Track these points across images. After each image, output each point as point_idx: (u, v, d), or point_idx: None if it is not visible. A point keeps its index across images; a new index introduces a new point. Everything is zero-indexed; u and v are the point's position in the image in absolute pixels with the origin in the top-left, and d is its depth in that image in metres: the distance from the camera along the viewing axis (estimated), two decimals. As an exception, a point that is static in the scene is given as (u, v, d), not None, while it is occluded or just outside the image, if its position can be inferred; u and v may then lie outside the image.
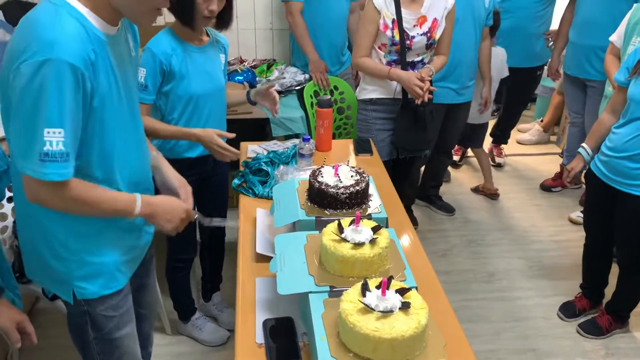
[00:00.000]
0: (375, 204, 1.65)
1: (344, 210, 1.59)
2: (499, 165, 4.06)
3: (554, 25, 3.52)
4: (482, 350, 2.34)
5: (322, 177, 1.64)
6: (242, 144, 2.38)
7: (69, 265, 1.29)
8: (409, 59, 2.43)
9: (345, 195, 1.58)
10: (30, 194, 1.17)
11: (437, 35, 2.43)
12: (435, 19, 2.40)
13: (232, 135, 1.96)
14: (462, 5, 2.59)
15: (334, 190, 1.58)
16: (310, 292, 1.25)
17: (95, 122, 1.19)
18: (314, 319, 1.18)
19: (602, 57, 2.84)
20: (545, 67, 3.66)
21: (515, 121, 4.03)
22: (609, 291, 2.48)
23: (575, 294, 2.62)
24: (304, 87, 3.09)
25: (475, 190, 3.71)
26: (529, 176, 3.95)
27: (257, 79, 3.18)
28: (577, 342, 2.42)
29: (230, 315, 2.40)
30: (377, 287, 1.14)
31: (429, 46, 2.43)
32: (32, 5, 3.35)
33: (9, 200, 1.97)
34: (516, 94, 3.75)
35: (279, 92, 3.10)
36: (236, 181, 2.06)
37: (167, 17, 1.90)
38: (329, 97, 2.36)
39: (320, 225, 1.53)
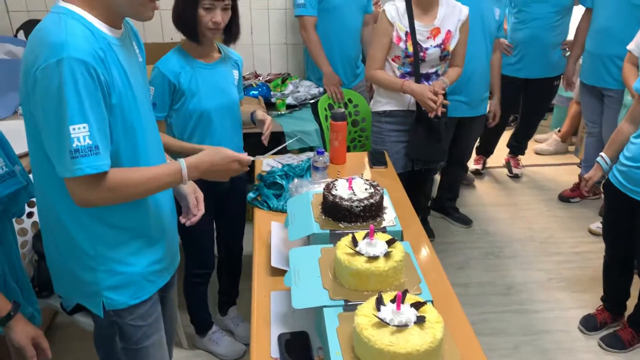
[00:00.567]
0: (390, 216, 1.65)
1: (359, 224, 1.59)
2: (516, 176, 4.02)
3: (571, 35, 3.50)
4: (501, 365, 2.31)
5: (336, 190, 1.65)
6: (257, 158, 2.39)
7: (98, 275, 1.31)
8: (422, 71, 2.43)
9: (359, 208, 1.58)
10: (77, 199, 1.19)
11: (451, 46, 2.43)
12: (449, 30, 2.40)
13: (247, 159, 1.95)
14: (472, 17, 2.58)
15: (348, 203, 1.58)
16: (325, 307, 1.25)
17: (117, 122, 1.22)
18: (328, 334, 1.17)
19: (619, 65, 2.81)
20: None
21: (532, 132, 3.99)
22: (632, 303, 2.43)
23: (596, 306, 2.56)
24: (318, 100, 3.10)
25: None
26: (547, 187, 3.90)
27: (272, 92, 3.20)
28: (598, 356, 2.37)
29: (247, 329, 2.40)
30: (392, 301, 1.13)
31: (442, 58, 2.43)
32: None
33: (29, 215, 2.00)
34: (533, 104, 3.73)
35: (294, 106, 3.13)
36: (251, 194, 2.07)
37: (175, 36, 1.95)
38: (342, 110, 2.37)
39: (334, 238, 1.53)
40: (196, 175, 1.35)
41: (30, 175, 1.55)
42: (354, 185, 1.66)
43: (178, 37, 1.99)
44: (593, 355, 2.37)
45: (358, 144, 3.20)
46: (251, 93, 3.11)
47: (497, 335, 2.48)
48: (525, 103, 3.75)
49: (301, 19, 3.05)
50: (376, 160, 2.39)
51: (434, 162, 2.66)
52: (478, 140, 3.90)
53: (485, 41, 2.80)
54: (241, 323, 2.48)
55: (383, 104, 2.56)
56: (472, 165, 4.02)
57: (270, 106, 3.11)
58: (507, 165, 4.09)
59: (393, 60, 2.45)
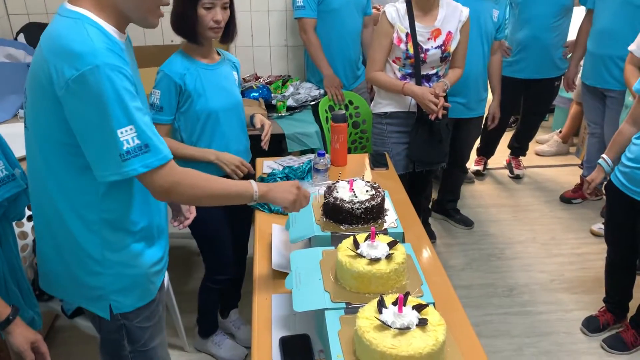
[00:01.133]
0: (391, 218, 1.64)
1: (360, 226, 1.59)
2: (517, 177, 4.01)
3: (571, 35, 3.49)
4: (504, 367, 2.30)
5: (337, 192, 1.64)
6: (258, 160, 2.39)
7: (105, 279, 1.30)
8: (423, 72, 2.43)
9: (360, 210, 1.57)
10: (154, 193, 1.22)
11: (452, 48, 2.43)
12: (449, 32, 2.40)
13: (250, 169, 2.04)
14: None
15: (349, 206, 1.57)
16: (326, 309, 1.24)
17: None
18: (330, 337, 1.16)
19: (621, 66, 2.80)
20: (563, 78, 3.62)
21: (533, 133, 3.99)
22: (634, 305, 2.42)
23: (598, 308, 2.55)
24: (318, 102, 3.10)
25: None
26: (548, 188, 3.89)
27: (272, 94, 3.20)
28: (601, 357, 2.36)
29: (248, 332, 2.39)
30: (394, 304, 1.13)
31: (443, 59, 2.43)
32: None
33: (29, 219, 2.00)
34: (534, 105, 3.72)
35: (294, 108, 3.13)
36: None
37: (176, 38, 1.95)
38: (343, 112, 2.36)
39: (335, 240, 1.53)
40: (264, 189, 1.39)
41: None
42: (355, 187, 1.65)
43: (178, 39, 1.98)
44: (595, 357, 2.36)
45: (359, 146, 3.19)
46: (251, 95, 3.11)
47: (500, 338, 2.47)
48: (526, 104, 3.75)
49: (300, 21, 3.05)
50: (377, 161, 2.39)
51: (435, 163, 2.65)
52: (479, 141, 3.90)
53: (482, 43, 2.80)
54: (242, 326, 2.47)
55: (384, 105, 2.56)
56: (473, 166, 4.02)
57: (270, 108, 3.10)
58: (509, 166, 4.08)
59: (394, 61, 2.44)
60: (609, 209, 2.37)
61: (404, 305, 1.11)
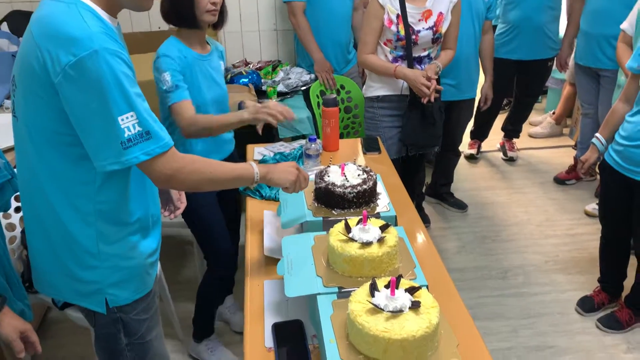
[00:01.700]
0: (383, 202, 1.62)
1: (352, 210, 1.57)
2: (511, 160, 4.00)
3: (563, 15, 3.46)
4: (500, 348, 2.30)
5: (328, 176, 1.62)
6: (249, 146, 2.37)
7: (101, 273, 1.28)
8: (415, 54, 2.40)
9: (352, 195, 1.55)
10: (156, 180, 1.21)
11: (443, 29, 2.39)
12: (440, 12, 2.36)
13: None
14: None
15: (341, 190, 1.55)
16: (319, 294, 1.23)
17: None
18: (322, 321, 1.15)
19: (615, 45, 2.77)
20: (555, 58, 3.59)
21: (526, 114, 3.97)
22: (628, 284, 2.42)
23: (593, 288, 2.56)
24: (309, 87, 3.06)
25: None
26: (542, 170, 3.88)
27: (263, 80, 3.16)
28: (596, 337, 2.37)
29: (242, 318, 2.37)
30: (386, 287, 1.11)
31: (435, 40, 2.40)
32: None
33: (17, 210, 1.97)
34: (527, 86, 3.70)
35: (285, 94, 3.09)
36: (243, 184, 2.04)
37: (163, 25, 1.90)
38: (334, 96, 2.33)
39: (327, 225, 1.51)
40: (264, 171, 1.37)
41: (16, 170, 1.52)
42: (347, 171, 1.63)
43: (166, 25, 1.94)
44: (591, 337, 2.37)
45: (351, 131, 3.16)
46: (241, 81, 3.07)
47: (495, 320, 2.47)
48: (519, 85, 3.72)
49: (289, 5, 3.00)
50: (370, 146, 2.36)
51: (429, 147, 2.63)
52: (472, 125, 3.87)
53: (473, 23, 2.76)
54: (237, 312, 2.45)
55: (376, 89, 2.53)
56: (466, 149, 4.00)
57: (261, 94, 3.07)
58: (502, 148, 4.07)
59: (385, 44, 2.41)
60: (603, 187, 2.36)
61: (397, 288, 1.09)
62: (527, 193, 3.58)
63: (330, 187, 1.57)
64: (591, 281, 2.61)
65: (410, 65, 2.39)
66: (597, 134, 2.26)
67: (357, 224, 1.34)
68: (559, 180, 3.68)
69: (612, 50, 2.89)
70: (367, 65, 2.48)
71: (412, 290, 1.11)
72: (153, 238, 1.39)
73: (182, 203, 1.68)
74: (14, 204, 1.91)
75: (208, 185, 1.30)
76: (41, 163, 1.19)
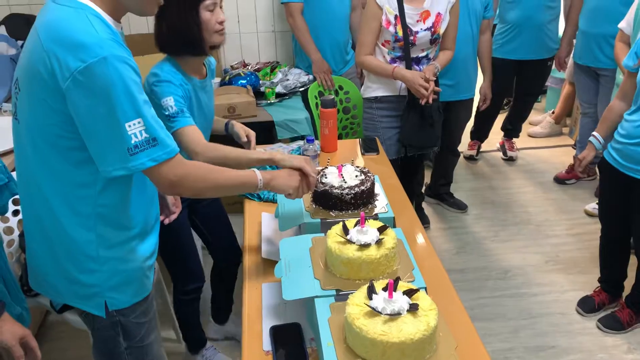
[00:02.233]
0: (381, 203, 1.62)
1: (350, 211, 1.56)
2: (511, 159, 3.99)
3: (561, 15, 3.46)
4: (500, 349, 2.29)
5: (326, 178, 1.61)
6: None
7: (100, 276, 1.27)
8: (413, 55, 2.39)
9: (350, 196, 1.55)
10: (161, 187, 1.20)
11: (442, 29, 2.39)
12: (438, 13, 2.35)
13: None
14: None
15: (339, 191, 1.55)
16: (316, 297, 1.22)
17: None
18: (320, 325, 1.14)
19: (613, 44, 2.77)
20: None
21: (526, 114, 3.96)
22: (629, 284, 2.41)
23: (593, 288, 2.55)
24: (308, 88, 3.06)
25: None
26: (542, 169, 3.87)
27: (261, 81, 3.16)
28: (597, 337, 2.36)
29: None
30: (384, 289, 1.10)
31: (433, 41, 2.39)
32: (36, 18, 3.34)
33: (14, 213, 1.96)
34: (527, 86, 3.69)
35: (284, 95, 3.08)
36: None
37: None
38: (332, 97, 2.33)
39: (325, 227, 1.50)
40: (267, 177, 1.38)
41: (14, 173, 1.51)
42: (344, 172, 1.62)
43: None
44: (591, 337, 2.36)
45: (350, 132, 3.16)
46: (239, 82, 3.06)
47: (495, 320, 2.46)
48: (519, 85, 3.71)
49: (287, 6, 3.00)
50: (368, 147, 2.35)
51: (427, 147, 2.62)
52: (472, 125, 3.87)
53: (471, 23, 2.75)
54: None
55: (374, 89, 2.52)
56: (466, 150, 3.99)
57: (259, 95, 3.06)
58: (502, 148, 4.06)
59: (383, 45, 2.40)
60: (602, 186, 2.35)
61: (395, 290, 1.09)
62: (526, 193, 3.57)
63: (328, 188, 1.56)
64: (592, 281, 2.60)
65: (409, 66, 2.39)
66: (595, 132, 2.25)
67: (355, 225, 1.33)
68: (559, 180, 3.67)
69: (610, 49, 2.89)
70: (365, 66, 2.48)
71: (410, 293, 1.11)
72: (151, 241, 1.39)
73: (177, 208, 1.67)
74: (12, 207, 1.90)
75: (212, 192, 1.31)
76: (42, 166, 1.19)
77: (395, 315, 1.05)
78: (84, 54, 1.04)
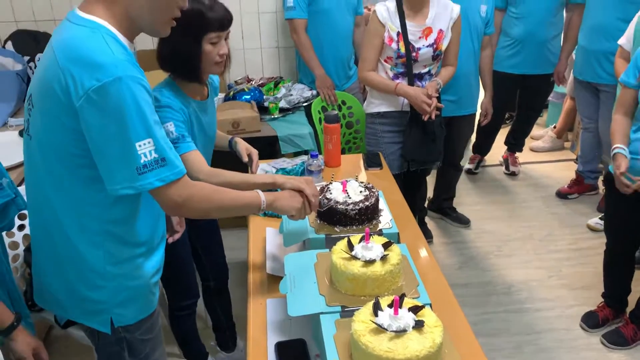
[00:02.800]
0: (386, 219, 1.63)
1: (354, 227, 1.57)
2: (513, 174, 4.00)
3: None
4: (504, 365, 2.29)
5: (330, 193, 1.62)
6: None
7: (107, 293, 1.28)
8: (415, 71, 2.41)
9: (354, 212, 1.56)
10: (166, 207, 1.22)
11: (444, 46, 2.41)
12: (440, 30, 2.38)
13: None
14: None
15: (343, 207, 1.56)
16: (322, 313, 1.22)
17: None
18: (325, 341, 1.15)
19: (613, 60, 2.79)
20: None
21: (529, 128, 3.97)
22: (633, 299, 2.41)
23: (597, 303, 2.54)
24: (311, 103, 3.08)
25: None
26: (544, 184, 3.88)
27: (265, 96, 3.18)
28: (601, 353, 2.35)
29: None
30: (389, 306, 1.11)
31: (435, 57, 2.41)
32: (43, 34, 3.39)
33: (20, 228, 1.97)
34: (530, 100, 3.71)
35: (287, 110, 3.11)
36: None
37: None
38: (335, 112, 2.35)
39: (330, 243, 1.51)
40: (270, 198, 1.40)
41: (20, 188, 1.52)
42: (349, 188, 1.63)
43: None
44: (596, 353, 2.35)
45: (353, 146, 3.17)
46: (244, 98, 3.09)
47: (499, 336, 2.45)
48: (522, 99, 3.74)
49: (291, 22, 3.03)
50: (371, 161, 2.37)
51: (430, 162, 2.64)
52: (475, 139, 3.88)
53: (472, 39, 2.78)
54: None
55: (376, 105, 2.54)
56: (467, 164, 4.00)
57: (263, 110, 3.09)
58: (505, 162, 4.07)
59: (385, 61, 2.43)
60: (608, 199, 2.35)
61: (400, 307, 1.09)
62: (529, 207, 3.58)
63: (332, 204, 1.57)
64: (595, 296, 2.59)
65: (411, 82, 2.41)
66: (617, 144, 2.12)
67: (360, 241, 1.34)
68: (561, 195, 3.67)
69: (610, 65, 2.91)
70: (368, 82, 2.50)
71: (415, 310, 1.11)
72: (157, 258, 1.40)
73: (181, 227, 1.68)
74: (17, 222, 1.91)
75: (217, 213, 1.33)
76: (52, 182, 1.21)
77: (401, 332, 1.06)
78: (99, 73, 1.06)
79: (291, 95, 3.19)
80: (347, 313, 1.22)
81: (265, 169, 2.29)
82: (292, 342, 1.30)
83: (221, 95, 3.16)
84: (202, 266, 2.15)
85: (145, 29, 1.20)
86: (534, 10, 3.27)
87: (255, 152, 1.94)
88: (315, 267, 1.39)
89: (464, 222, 3.36)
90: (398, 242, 1.56)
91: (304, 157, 2.39)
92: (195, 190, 1.23)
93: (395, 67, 2.42)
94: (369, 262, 1.28)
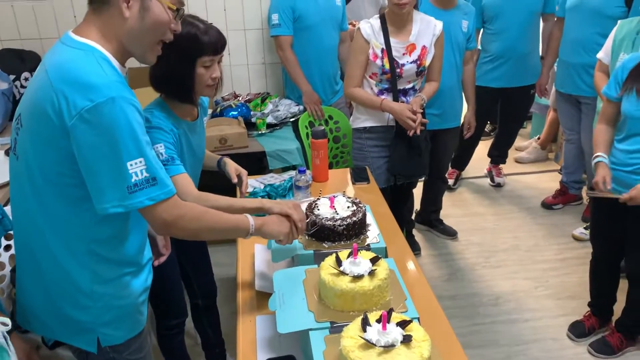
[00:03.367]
0: (373, 233, 1.64)
1: (342, 242, 1.59)
2: (498, 185, 4.05)
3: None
4: (493, 376, 2.30)
5: (318, 209, 1.64)
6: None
7: (94, 312, 1.28)
8: (400, 87, 2.45)
9: (342, 227, 1.57)
10: (156, 226, 1.23)
11: (427, 62, 2.46)
12: (424, 46, 2.43)
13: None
14: None
15: (331, 223, 1.57)
16: (311, 330, 1.23)
17: None
18: (315, 357, 1.15)
19: (593, 73, 2.86)
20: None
21: (512, 140, 4.04)
22: (618, 308, 2.44)
23: (583, 312, 2.57)
24: (298, 118, 3.11)
25: None
26: (529, 195, 3.93)
27: (252, 112, 3.20)
28: (589, 362, 2.38)
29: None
30: (378, 321, 1.12)
31: (419, 73, 2.46)
32: (29, 53, 3.38)
33: (6, 249, 1.95)
34: (511, 113, 3.78)
35: (274, 125, 3.13)
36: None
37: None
38: (322, 128, 2.37)
39: (318, 258, 1.52)
40: (259, 222, 1.42)
41: (6, 208, 1.52)
42: (336, 203, 1.65)
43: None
44: (583, 362, 2.38)
45: (340, 160, 3.20)
46: (231, 114, 3.11)
47: (488, 347, 2.47)
48: (503, 112, 3.80)
49: (277, 39, 3.07)
50: (358, 176, 2.39)
51: (416, 176, 2.67)
52: (454, 152, 3.92)
53: (454, 54, 2.83)
54: None
55: (362, 120, 2.57)
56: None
57: (250, 126, 3.10)
58: (489, 174, 4.12)
59: (370, 77, 2.46)
60: (594, 209, 2.38)
61: (388, 322, 1.11)
62: (515, 218, 3.62)
63: (318, 226, 1.58)
64: (582, 306, 2.63)
65: (396, 98, 2.45)
66: (598, 153, 2.16)
67: (348, 257, 1.36)
68: (546, 205, 3.72)
69: (590, 78, 2.97)
70: (354, 98, 2.54)
71: (403, 324, 1.12)
72: (144, 276, 1.40)
73: (167, 250, 1.68)
74: (4, 242, 1.90)
75: (206, 234, 1.33)
76: (39, 202, 1.21)
77: (389, 347, 1.07)
78: (92, 94, 1.08)
79: (278, 110, 3.21)
80: (336, 329, 1.23)
81: (253, 185, 2.30)
82: (282, 359, 1.31)
83: (209, 111, 3.18)
84: (190, 284, 2.14)
85: (135, 55, 1.23)
86: (509, 26, 3.35)
87: (244, 173, 1.94)
88: (304, 283, 1.40)
89: (451, 233, 3.39)
90: (386, 256, 1.57)
91: (292, 173, 2.40)
92: (186, 210, 1.25)
93: (380, 83, 2.46)
94: (357, 278, 1.29)
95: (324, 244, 1.58)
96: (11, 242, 1.97)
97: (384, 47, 2.37)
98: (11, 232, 1.49)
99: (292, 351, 1.34)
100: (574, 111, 3.33)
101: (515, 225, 3.54)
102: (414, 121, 2.37)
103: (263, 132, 3.08)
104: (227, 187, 2.05)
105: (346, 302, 1.28)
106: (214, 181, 2.09)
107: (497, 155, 4.06)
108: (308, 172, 2.20)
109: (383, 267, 1.34)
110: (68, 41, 1.16)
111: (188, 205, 1.27)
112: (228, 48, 3.09)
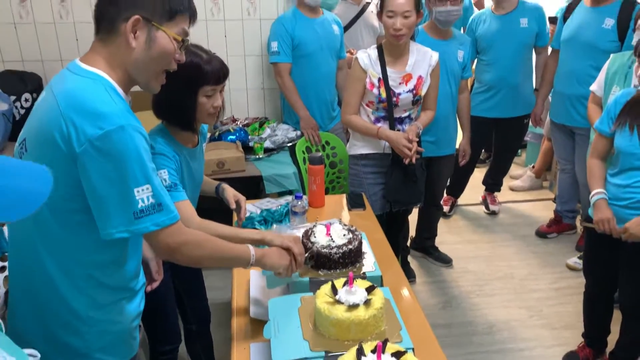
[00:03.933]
0: (369, 261, 1.65)
1: (338, 270, 1.59)
2: (493, 213, 4.07)
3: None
4: (487, 407, 2.28)
5: (314, 236, 1.65)
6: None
7: (89, 338, 1.28)
8: (396, 115, 2.49)
9: (338, 255, 1.58)
10: (160, 251, 1.25)
11: (423, 91, 2.50)
12: (420, 76, 2.47)
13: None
14: None
15: (327, 251, 1.58)
16: (305, 359, 1.23)
17: None
18: (309, 387, 1.15)
19: (586, 105, 2.90)
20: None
21: (507, 168, 4.07)
22: (612, 339, 2.44)
23: (577, 343, 2.57)
24: (295, 143, 3.13)
25: None
26: (524, 223, 3.95)
27: (250, 137, 3.23)
28: (583, 394, 2.36)
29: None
30: (373, 352, 1.12)
31: (415, 102, 2.49)
32: (30, 75, 3.41)
33: (1, 270, 1.94)
34: (505, 142, 3.82)
35: (272, 150, 3.16)
36: (230, 242, 2.04)
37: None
38: (320, 154, 2.39)
39: (314, 286, 1.53)
40: (260, 254, 1.44)
41: (5, 230, 1.52)
42: (332, 231, 1.66)
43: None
44: (577, 394, 2.36)
45: (337, 185, 3.22)
46: (229, 138, 3.13)
47: (482, 377, 2.46)
48: (498, 141, 3.84)
49: (276, 66, 3.11)
50: (355, 202, 2.41)
51: (412, 203, 2.69)
52: (450, 180, 3.94)
53: (450, 83, 2.87)
54: None
55: (359, 147, 2.60)
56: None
57: (248, 150, 3.13)
58: (484, 202, 4.14)
59: (367, 105, 2.50)
60: (587, 242, 2.39)
61: (383, 352, 1.11)
62: (509, 246, 3.63)
63: (314, 254, 1.59)
64: (576, 336, 2.62)
65: (392, 126, 2.48)
66: (597, 190, 2.17)
67: (344, 285, 1.36)
68: (541, 234, 3.74)
69: (584, 109, 3.02)
70: (351, 125, 2.57)
71: (398, 355, 1.13)
72: (137, 300, 1.40)
73: (159, 276, 1.68)
74: (-1, 264, 1.89)
75: (208, 262, 1.35)
76: (38, 226, 1.21)
77: (383, 378, 1.07)
78: (102, 122, 1.10)
79: (276, 135, 3.24)
80: (330, 358, 1.23)
81: (249, 209, 2.30)
82: (276, 388, 1.30)
83: (207, 135, 3.20)
84: (184, 310, 2.13)
85: (140, 84, 1.26)
86: (501, 57, 3.41)
87: (243, 199, 1.96)
88: (299, 311, 1.40)
89: (446, 261, 3.40)
90: (381, 284, 1.58)
91: (289, 198, 2.42)
92: (189, 236, 1.27)
93: (376, 111, 2.49)
94: (353, 307, 1.30)
95: (319, 272, 1.59)
96: (5, 264, 1.96)
97: (381, 77, 2.42)
98: (7, 253, 1.50)
99: (286, 380, 1.33)
100: (568, 141, 3.38)
101: (509, 253, 3.54)
102: (410, 149, 2.40)
103: (260, 156, 3.10)
104: (224, 209, 2.06)
105: (341, 331, 1.28)
106: (209, 204, 2.11)
107: (492, 183, 4.09)
108: (305, 197, 2.21)
109: (379, 296, 1.35)
110: (76, 70, 1.19)
111: (191, 232, 1.29)
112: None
